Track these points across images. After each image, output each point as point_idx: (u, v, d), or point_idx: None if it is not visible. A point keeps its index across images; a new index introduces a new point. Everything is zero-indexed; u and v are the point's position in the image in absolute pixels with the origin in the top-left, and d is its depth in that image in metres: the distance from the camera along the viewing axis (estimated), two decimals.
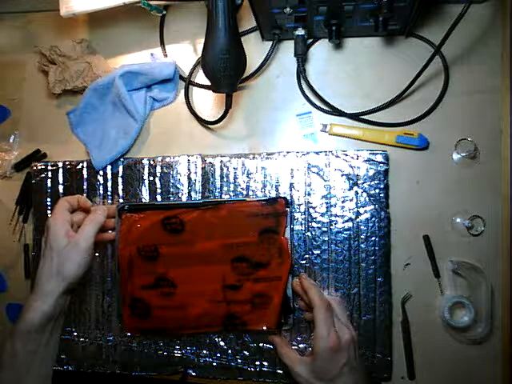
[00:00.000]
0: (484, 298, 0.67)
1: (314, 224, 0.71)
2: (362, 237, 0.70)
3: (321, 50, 0.76)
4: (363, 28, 0.70)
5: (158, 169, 0.75)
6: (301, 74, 0.74)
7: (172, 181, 0.75)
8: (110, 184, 0.76)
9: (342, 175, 0.71)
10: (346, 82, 0.74)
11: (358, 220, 0.70)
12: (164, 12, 0.78)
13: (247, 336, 0.72)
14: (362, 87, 0.74)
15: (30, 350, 0.61)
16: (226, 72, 0.66)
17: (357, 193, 0.71)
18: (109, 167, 0.76)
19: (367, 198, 0.70)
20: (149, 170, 0.75)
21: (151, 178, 0.75)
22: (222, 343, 0.72)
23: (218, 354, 0.72)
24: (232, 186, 0.73)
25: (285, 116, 0.76)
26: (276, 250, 0.69)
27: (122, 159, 0.76)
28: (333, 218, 0.71)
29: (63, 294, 0.63)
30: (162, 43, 0.80)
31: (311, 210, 0.71)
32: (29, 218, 0.79)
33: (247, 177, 0.73)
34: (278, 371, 0.71)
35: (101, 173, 0.76)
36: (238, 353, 0.72)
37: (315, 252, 0.71)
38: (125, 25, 0.81)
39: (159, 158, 0.75)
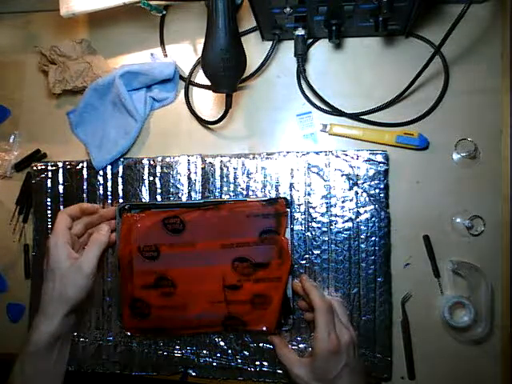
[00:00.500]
0: (484, 298, 0.67)
1: (314, 224, 0.71)
2: (362, 237, 0.70)
3: (321, 50, 0.76)
4: (363, 28, 0.70)
5: (158, 169, 0.75)
6: (301, 73, 0.74)
7: (172, 181, 0.75)
8: (109, 184, 0.76)
9: (342, 175, 0.71)
10: (346, 82, 0.74)
11: (357, 220, 0.70)
12: (164, 12, 0.78)
13: (247, 336, 0.72)
14: (362, 87, 0.74)
15: (39, 370, 0.61)
16: (226, 72, 0.66)
17: (357, 193, 0.71)
18: (109, 167, 0.76)
19: (367, 198, 0.70)
20: (149, 170, 0.75)
21: (151, 178, 0.75)
22: (222, 343, 0.72)
23: (218, 354, 0.72)
24: (232, 186, 0.73)
25: (285, 116, 0.76)
26: (276, 250, 0.69)
27: (121, 159, 0.76)
28: (333, 218, 0.71)
29: (67, 315, 0.62)
30: (162, 43, 0.80)
31: (311, 210, 0.71)
32: (29, 218, 0.79)
33: (247, 177, 0.73)
34: (278, 371, 0.71)
35: (101, 173, 0.76)
36: (238, 353, 0.72)
37: (315, 252, 0.71)
38: (125, 25, 0.81)
39: (159, 158, 0.75)
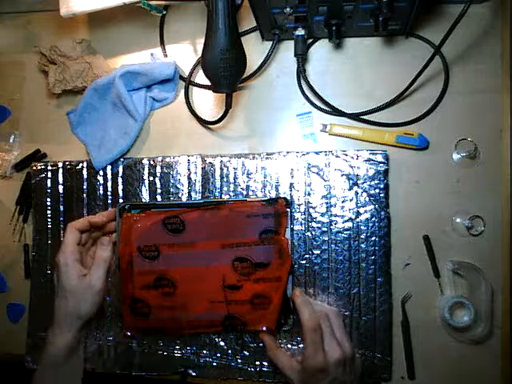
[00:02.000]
0: (484, 298, 0.67)
1: (313, 224, 0.71)
2: (362, 237, 0.70)
3: (321, 49, 0.76)
4: (363, 28, 0.70)
5: (158, 169, 0.75)
6: (301, 73, 0.74)
7: (172, 181, 0.75)
8: (109, 184, 0.76)
9: (342, 175, 0.71)
10: (346, 82, 0.74)
11: (358, 220, 0.70)
12: (164, 12, 0.78)
13: (247, 336, 0.72)
14: (362, 87, 0.74)
15: (58, 381, 0.64)
16: (226, 72, 0.66)
17: (357, 193, 0.71)
18: (109, 167, 0.76)
19: (367, 198, 0.70)
20: (149, 169, 0.75)
21: (151, 178, 0.75)
22: (222, 343, 0.72)
23: (218, 354, 0.72)
24: (232, 186, 0.73)
25: (285, 116, 0.76)
26: (276, 250, 0.69)
27: (121, 159, 0.76)
28: (333, 218, 0.71)
29: (81, 329, 0.64)
30: (162, 43, 0.80)
31: (311, 210, 0.71)
32: (29, 218, 0.79)
33: (247, 177, 0.73)
34: (278, 371, 0.71)
35: (101, 173, 0.76)
36: (238, 353, 0.72)
37: (315, 252, 0.71)
38: (125, 25, 0.81)
39: (159, 158, 0.75)
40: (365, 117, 0.73)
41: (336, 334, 0.64)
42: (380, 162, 0.70)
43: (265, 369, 0.71)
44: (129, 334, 0.73)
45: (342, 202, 0.71)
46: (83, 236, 0.68)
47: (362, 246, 0.70)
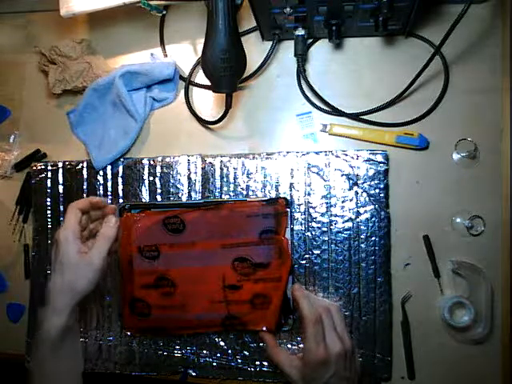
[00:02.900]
0: (484, 298, 0.67)
1: (314, 224, 0.71)
2: (362, 237, 0.70)
3: (321, 49, 0.76)
4: (363, 28, 0.70)
5: (158, 169, 0.75)
6: (301, 74, 0.74)
7: (172, 181, 0.75)
8: (110, 184, 0.76)
9: (342, 175, 0.71)
10: (346, 82, 0.74)
11: (358, 220, 0.70)
12: (164, 12, 0.78)
13: (247, 336, 0.72)
14: (362, 87, 0.74)
15: (55, 364, 0.62)
16: (226, 72, 0.66)
17: (357, 193, 0.71)
18: (109, 167, 0.76)
19: (367, 198, 0.70)
20: (149, 169, 0.75)
21: (151, 178, 0.75)
22: (222, 343, 0.72)
23: (218, 354, 0.72)
24: (232, 186, 0.73)
25: (285, 116, 0.76)
26: (276, 250, 0.69)
27: (121, 159, 0.76)
28: (333, 218, 0.71)
29: (74, 308, 0.63)
30: (162, 43, 0.80)
31: (311, 210, 0.71)
32: (29, 218, 0.79)
33: (247, 177, 0.73)
34: (279, 371, 0.71)
35: (101, 173, 0.76)
36: (238, 353, 0.72)
37: (315, 252, 0.71)
38: (125, 25, 0.81)
39: (159, 158, 0.75)
40: (365, 117, 0.73)
41: (337, 328, 0.64)
42: (380, 162, 0.70)
43: (265, 369, 0.71)
44: (129, 333, 0.73)
45: (342, 202, 0.71)
46: (83, 221, 0.67)
47: (362, 245, 0.70)
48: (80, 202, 0.66)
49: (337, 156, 0.71)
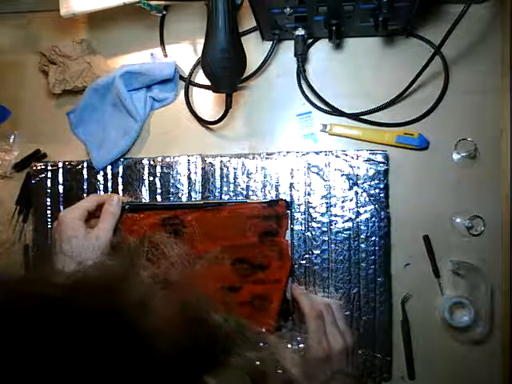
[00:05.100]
0: (484, 298, 0.67)
1: (314, 224, 0.71)
2: (362, 237, 0.70)
3: (321, 50, 0.76)
4: (363, 28, 0.70)
5: (158, 169, 0.75)
6: (301, 74, 0.74)
7: (172, 181, 0.75)
8: (110, 184, 0.76)
9: (342, 175, 0.71)
10: (346, 82, 0.74)
11: (357, 220, 0.70)
12: (164, 12, 0.78)
13: None
14: (362, 87, 0.74)
15: None
16: (226, 72, 0.66)
17: (357, 193, 0.70)
18: (109, 167, 0.76)
19: (367, 198, 0.70)
20: (149, 170, 0.75)
21: (151, 178, 0.75)
22: None
23: None
24: (232, 186, 0.73)
25: (285, 116, 0.75)
26: (276, 252, 0.69)
27: (121, 159, 0.76)
28: (333, 218, 0.71)
29: None
30: (162, 43, 0.80)
31: (311, 210, 0.71)
32: (29, 218, 0.79)
33: (247, 177, 0.73)
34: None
35: (101, 173, 0.76)
36: None
37: (315, 252, 0.71)
38: (125, 25, 0.81)
39: (159, 158, 0.75)
40: (365, 117, 0.73)
41: (338, 324, 0.64)
42: (380, 162, 0.70)
43: None
44: None
45: (342, 202, 0.71)
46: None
47: (362, 245, 0.70)
48: (101, 197, 0.68)
49: (337, 156, 0.71)
